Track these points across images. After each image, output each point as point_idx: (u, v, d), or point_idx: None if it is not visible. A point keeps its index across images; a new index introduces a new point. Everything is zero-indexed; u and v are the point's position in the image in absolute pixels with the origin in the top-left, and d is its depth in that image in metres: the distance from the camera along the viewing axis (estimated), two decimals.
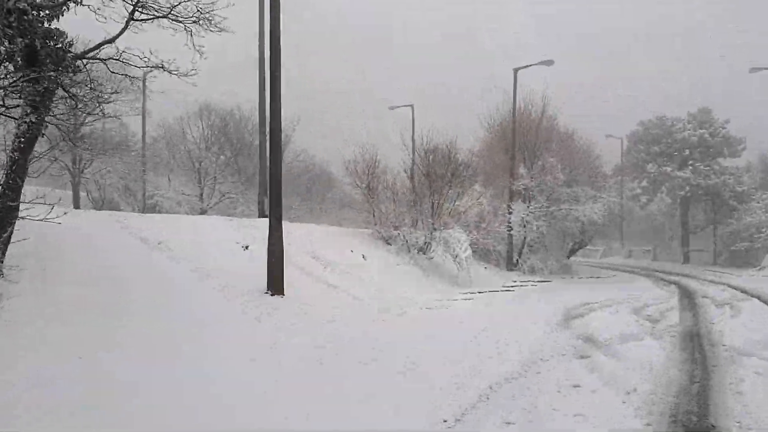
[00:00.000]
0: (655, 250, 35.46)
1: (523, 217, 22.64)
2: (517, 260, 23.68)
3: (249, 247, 11.46)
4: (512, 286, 18.65)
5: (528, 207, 22.54)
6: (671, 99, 49.91)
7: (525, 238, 23.63)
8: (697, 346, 6.90)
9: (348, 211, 24.52)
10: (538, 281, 21.83)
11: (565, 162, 23.11)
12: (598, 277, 25.10)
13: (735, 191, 28.70)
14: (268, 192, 10.12)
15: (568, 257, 26.73)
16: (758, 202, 26.13)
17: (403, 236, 17.62)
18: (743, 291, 15.35)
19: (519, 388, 5.17)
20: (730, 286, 17.58)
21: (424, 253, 18.31)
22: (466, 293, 15.62)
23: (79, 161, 23.98)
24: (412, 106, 31.26)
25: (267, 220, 16.24)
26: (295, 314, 8.58)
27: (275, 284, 9.63)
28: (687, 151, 30.64)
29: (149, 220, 11.28)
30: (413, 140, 29.91)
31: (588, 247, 43.61)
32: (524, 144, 23.20)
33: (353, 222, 20.95)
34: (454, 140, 19.22)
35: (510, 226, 22.48)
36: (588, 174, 25.10)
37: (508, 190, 23.25)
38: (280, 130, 10.13)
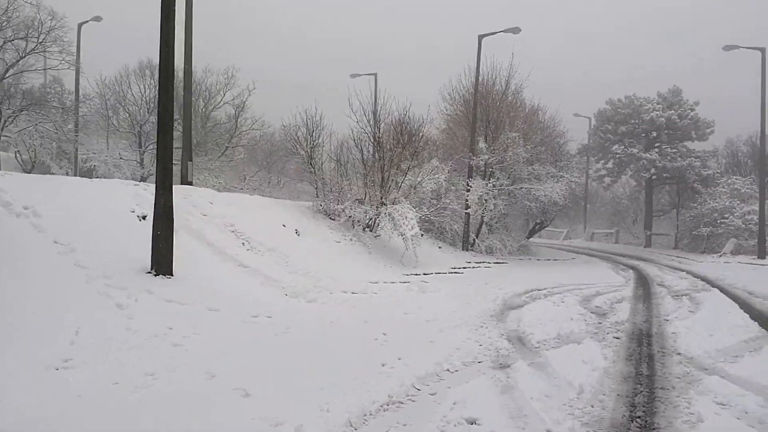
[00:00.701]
0: (617, 233, 34.86)
1: (481, 195, 21.35)
2: (475, 240, 22.48)
3: (147, 218, 9.77)
4: (463, 268, 17.42)
5: (487, 184, 21.25)
6: (644, 79, 49.13)
7: (483, 217, 22.39)
8: (645, 355, 5.63)
9: (307, 184, 22.96)
10: (494, 262, 20.72)
11: (528, 138, 21.84)
12: (556, 260, 24.18)
13: (700, 175, 28.02)
14: (157, 147, 8.44)
15: (528, 238, 25.71)
16: (723, 187, 25.46)
17: (347, 211, 16.12)
18: (704, 279, 14.42)
19: (386, 427, 3.83)
20: (690, 273, 16.69)
21: (371, 230, 16.90)
22: (409, 275, 14.30)
23: None
24: (375, 75, 29.81)
25: (188, 187, 14.57)
26: (173, 299, 7.02)
27: (161, 262, 8.04)
28: (654, 133, 29.77)
29: (22, 181, 9.47)
30: (375, 110, 28.65)
31: (551, 228, 43.09)
32: (486, 117, 21.79)
33: (311, 195, 19.34)
34: (407, 108, 17.65)
35: (467, 204, 21.18)
36: (551, 152, 23.93)
37: (468, 166, 21.88)
38: (172, 75, 8.42)
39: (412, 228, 15.14)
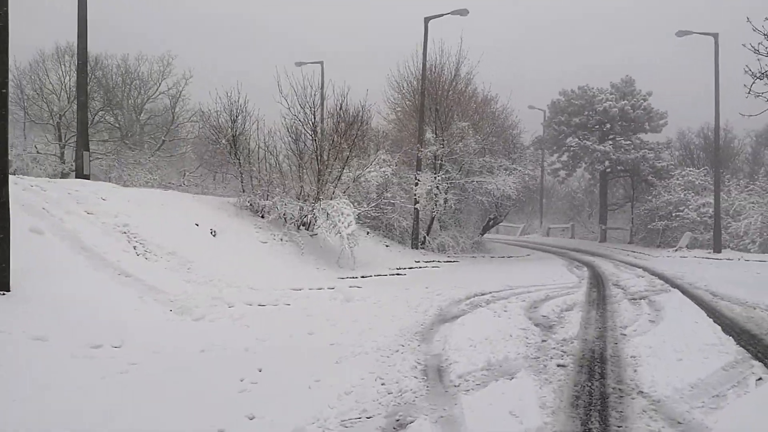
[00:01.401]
0: (573, 228, 34.23)
1: (430, 189, 19.98)
2: (425, 238, 21.09)
3: None
4: (409, 268, 15.98)
5: (436, 178, 19.88)
6: (599, 71, 48.95)
7: (434, 212, 21.02)
8: (597, 396, 4.20)
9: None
10: (444, 261, 19.39)
11: (479, 129, 20.57)
12: (510, 257, 23.08)
13: (654, 167, 27.46)
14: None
15: (482, 234, 24.55)
16: (677, 179, 24.90)
17: (278, 207, 14.41)
18: (662, 278, 13.40)
19: None
20: (647, 270, 15.72)
21: (308, 229, 15.26)
22: (345, 278, 12.74)
23: None
24: (321, 63, 28.23)
25: (77, 181, 12.58)
26: None
27: None
28: (608, 125, 29.10)
29: None
30: (322, 98, 27.02)
31: (508, 224, 42.35)
32: (435, 106, 20.39)
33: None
34: (345, 93, 16.04)
35: (416, 199, 19.76)
36: (504, 143, 22.77)
37: (416, 158, 20.46)
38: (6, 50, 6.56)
39: (348, 225, 13.57)
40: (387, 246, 19.59)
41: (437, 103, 20.25)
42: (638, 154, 27.33)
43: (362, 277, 13.36)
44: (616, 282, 12.55)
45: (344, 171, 15.96)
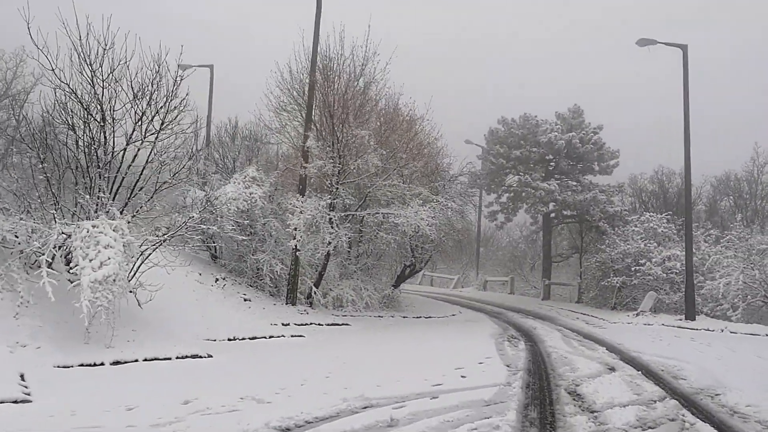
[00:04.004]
0: (512, 282, 29.14)
1: (314, 220, 14.22)
2: (312, 289, 15.13)
3: None
4: (244, 341, 9.97)
5: (321, 204, 14.14)
6: (544, 104, 45.71)
7: (328, 253, 15.21)
8: None
9: None
10: (328, 324, 13.48)
11: (386, 143, 15.19)
12: (429, 318, 17.40)
13: (605, 212, 22.90)
14: None
15: (395, 287, 18.81)
16: (635, 226, 20.31)
17: None
18: (645, 369, 7.97)
19: None
20: (613, 350, 10.28)
21: (53, 268, 8.99)
22: (68, 368, 6.58)
23: None
24: (211, 66, 22.81)
25: None
26: None
27: None
28: (553, 163, 24.62)
29: None
30: (210, 104, 21.42)
31: (442, 275, 36.99)
32: (328, 110, 14.92)
33: None
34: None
35: (294, 234, 13.93)
36: (423, 168, 17.48)
37: (300, 177, 14.78)
38: None
39: (101, 266, 7.44)
40: (247, 300, 13.49)
41: (329, 105, 14.78)
42: (588, 195, 22.75)
43: (114, 363, 7.19)
44: (573, 382, 6.96)
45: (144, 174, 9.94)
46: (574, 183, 23.74)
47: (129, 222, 8.74)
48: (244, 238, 15.06)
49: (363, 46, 15.66)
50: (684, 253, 17.75)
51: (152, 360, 7.49)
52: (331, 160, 14.60)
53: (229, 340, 9.93)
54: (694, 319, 16.03)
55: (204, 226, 11.24)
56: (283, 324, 12.60)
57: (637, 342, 11.52)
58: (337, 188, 14.89)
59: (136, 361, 7.36)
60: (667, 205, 26.64)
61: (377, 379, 6.61)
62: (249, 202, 14.07)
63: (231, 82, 32.10)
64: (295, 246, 14.05)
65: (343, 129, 14.58)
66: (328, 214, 14.66)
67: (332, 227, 14.75)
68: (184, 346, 8.24)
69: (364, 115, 15.14)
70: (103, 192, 8.91)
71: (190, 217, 9.00)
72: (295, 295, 14.58)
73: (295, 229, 13.80)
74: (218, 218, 13.63)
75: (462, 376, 7.06)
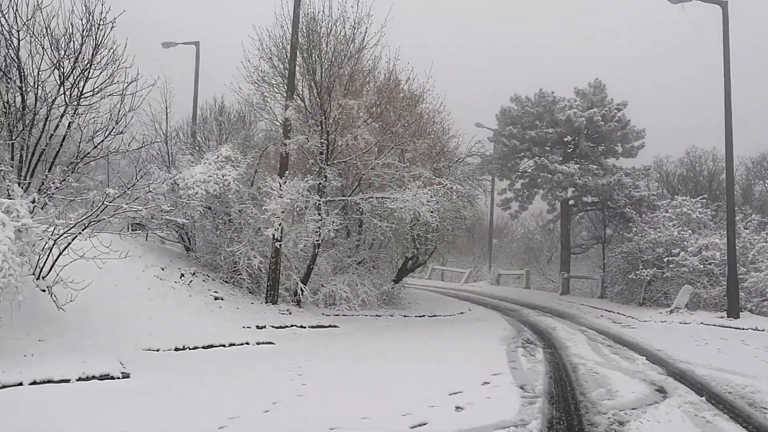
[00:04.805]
0: (528, 276, 26.97)
1: (294, 205, 12.29)
2: (299, 286, 13.22)
3: None
4: (203, 349, 8.10)
5: (304, 186, 12.17)
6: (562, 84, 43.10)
7: (316, 244, 13.28)
8: None
9: None
10: (312, 327, 11.60)
11: (381, 116, 13.14)
12: (434, 317, 15.42)
13: (631, 197, 20.64)
14: None
15: (396, 281, 16.81)
16: (666, 211, 18.05)
17: None
18: (705, 393, 5.87)
19: None
20: (653, 360, 8.19)
21: None
22: None
23: None
24: (197, 43, 21.35)
25: None
26: None
27: None
28: (572, 144, 22.39)
29: None
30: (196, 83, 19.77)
31: (454, 269, 34.84)
32: (311, 79, 12.91)
33: None
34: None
35: (272, 220, 12.02)
36: (428, 149, 15.45)
37: (280, 155, 12.85)
38: None
39: None
40: (218, 299, 11.63)
41: (314, 72, 12.77)
42: (612, 179, 20.50)
43: None
44: (615, 418, 4.93)
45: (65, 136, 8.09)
46: (595, 166, 21.49)
47: (36, 203, 6.85)
48: (215, 226, 13.24)
49: (354, 6, 13.59)
50: (724, 240, 15.50)
51: (44, 383, 5.60)
52: (317, 135, 12.62)
53: (177, 349, 8.05)
54: (738, 317, 13.84)
55: (165, 213, 9.38)
56: (257, 327, 10.73)
57: (681, 348, 9.43)
58: (323, 169, 12.90)
59: (20, 384, 5.48)
60: (699, 190, 24.25)
61: (337, 415, 4.65)
62: (222, 185, 12.19)
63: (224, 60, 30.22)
64: (274, 236, 12.13)
65: (330, 100, 12.57)
66: (313, 199, 12.71)
67: (318, 214, 12.81)
68: (98, 361, 6.34)
69: (355, 83, 13.10)
70: (5, 165, 7.03)
71: (107, 197, 7.05)
72: (276, 292, 12.68)
73: (273, 215, 11.87)
74: (185, 203, 11.78)
75: (457, 407, 5.07)
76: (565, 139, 22.58)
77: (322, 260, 14.96)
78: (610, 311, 16.84)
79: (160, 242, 14.81)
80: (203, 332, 9.11)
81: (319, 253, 14.36)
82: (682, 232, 16.98)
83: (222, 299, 11.71)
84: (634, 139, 22.67)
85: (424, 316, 15.45)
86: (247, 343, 8.81)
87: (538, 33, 67.54)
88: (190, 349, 8.18)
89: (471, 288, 27.16)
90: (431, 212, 12.80)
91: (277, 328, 11.09)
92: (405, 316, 14.98)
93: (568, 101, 22.06)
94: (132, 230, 14.73)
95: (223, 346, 8.55)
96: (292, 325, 11.43)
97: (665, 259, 16.51)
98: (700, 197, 18.98)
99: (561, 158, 21.99)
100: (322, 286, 14.64)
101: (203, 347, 8.32)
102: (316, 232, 12.76)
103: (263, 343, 9.09)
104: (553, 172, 20.62)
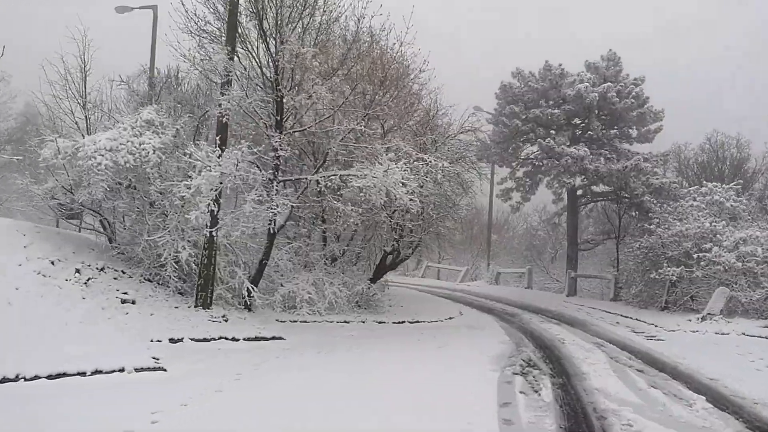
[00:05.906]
0: (530, 274, 24.20)
1: (232, 180, 9.54)
2: (246, 285, 10.48)
3: None
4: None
5: (241, 154, 9.41)
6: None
7: (273, 231, 10.56)
8: None
9: None
10: (248, 339, 8.95)
11: (350, 76, 10.36)
12: (414, 324, 12.67)
13: (650, 184, 17.87)
14: None
15: (373, 280, 14.03)
16: (694, 199, 15.30)
17: None
18: None
19: None
20: (715, 401, 5.42)
21: None
22: None
23: None
24: (154, 7, 18.73)
25: None
26: None
27: None
28: (581, 126, 19.61)
29: None
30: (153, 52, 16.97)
31: (450, 266, 32.08)
32: (256, 18, 10.15)
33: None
34: None
35: (202, 199, 9.27)
36: (416, 125, 12.69)
37: (218, 120, 10.08)
38: None
39: None
40: (127, 301, 8.92)
41: (260, 10, 10.00)
42: (628, 164, 17.69)
43: None
44: None
45: None
46: (608, 150, 18.73)
47: None
48: (135, 209, 10.52)
49: None
50: (766, 233, 12.80)
51: None
52: (262, 92, 9.87)
53: (3, 381, 5.34)
54: None
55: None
56: (171, 340, 8.10)
57: (740, 375, 6.72)
58: (272, 136, 10.15)
59: None
60: (723, 181, 21.47)
61: None
62: (138, 155, 9.48)
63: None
64: (199, 220, 9.34)
65: (282, 47, 9.80)
66: (259, 176, 9.98)
67: (267, 195, 10.09)
68: None
69: (312, 30, 10.34)
70: None
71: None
72: (209, 293, 9.95)
73: (198, 193, 9.14)
74: (82, 177, 9.08)
75: None
76: (574, 121, 19.80)
77: (282, 254, 12.28)
78: (626, 317, 14.11)
79: (77, 231, 12.15)
80: (71, 351, 6.40)
81: (279, 245, 11.68)
82: (714, 224, 14.21)
83: (133, 302, 9.01)
84: (651, 121, 19.81)
85: (404, 322, 12.74)
86: (122, 370, 6.07)
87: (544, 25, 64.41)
88: (25, 379, 5.47)
89: (467, 288, 24.37)
90: (410, 195, 10.07)
91: (198, 341, 8.41)
92: (380, 323, 12.28)
93: (578, 75, 19.26)
94: (67, 218, 12.07)
95: (82, 374, 5.83)
96: (221, 338, 8.74)
97: (695, 256, 13.74)
98: (733, 183, 16.18)
99: (568, 142, 19.21)
100: (281, 285, 11.96)
101: (48, 377, 5.61)
102: (269, 219, 10.05)
103: (149, 369, 6.34)
104: (560, 155, 17.83)
